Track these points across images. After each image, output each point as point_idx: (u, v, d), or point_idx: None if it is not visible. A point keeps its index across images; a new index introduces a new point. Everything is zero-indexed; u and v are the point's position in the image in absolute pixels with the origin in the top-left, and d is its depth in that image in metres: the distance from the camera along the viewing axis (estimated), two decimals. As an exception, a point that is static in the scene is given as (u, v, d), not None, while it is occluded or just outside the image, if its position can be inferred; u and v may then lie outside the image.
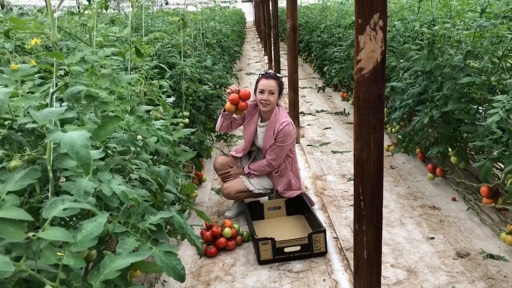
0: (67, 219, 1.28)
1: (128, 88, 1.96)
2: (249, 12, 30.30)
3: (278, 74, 3.25)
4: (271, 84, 3.14)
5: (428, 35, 3.58)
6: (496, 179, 2.93)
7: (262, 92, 3.15)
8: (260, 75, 3.23)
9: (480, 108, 3.17)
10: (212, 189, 3.93)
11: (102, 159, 1.26)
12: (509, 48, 2.97)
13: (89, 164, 0.85)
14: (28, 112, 1.05)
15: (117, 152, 1.40)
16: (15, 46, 2.57)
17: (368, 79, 1.65)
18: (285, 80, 5.05)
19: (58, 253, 0.86)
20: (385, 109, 4.45)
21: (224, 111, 3.21)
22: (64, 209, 0.87)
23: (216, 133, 4.50)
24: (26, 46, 1.92)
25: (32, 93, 1.34)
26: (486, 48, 3.05)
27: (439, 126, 3.36)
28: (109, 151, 1.41)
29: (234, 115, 3.27)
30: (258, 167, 3.26)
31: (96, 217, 0.91)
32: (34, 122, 0.98)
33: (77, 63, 1.27)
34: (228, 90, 3.17)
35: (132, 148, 1.65)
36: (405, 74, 4.06)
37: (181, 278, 1.17)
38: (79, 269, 0.88)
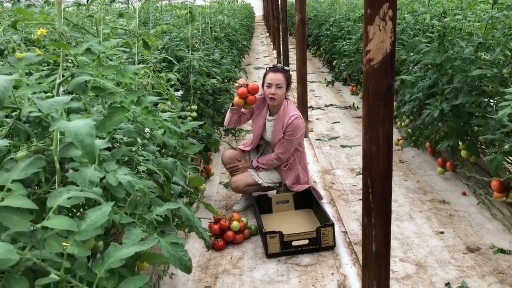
0: (74, 210, 1.28)
1: (136, 79, 1.96)
2: (258, 6, 30.15)
3: (285, 67, 3.23)
4: (278, 77, 3.12)
5: (438, 28, 3.53)
6: (507, 173, 2.89)
7: (269, 86, 3.13)
8: (267, 69, 3.21)
9: (491, 101, 3.12)
10: (220, 182, 3.92)
11: (108, 149, 1.26)
12: (521, 40, 2.92)
13: (94, 153, 0.85)
14: (34, 102, 1.04)
15: (124, 143, 1.40)
16: (24, 38, 2.58)
17: (377, 70, 1.63)
18: (293, 74, 5.02)
19: (64, 243, 0.86)
20: (394, 102, 4.40)
21: (232, 105, 3.20)
22: (69, 198, 0.87)
23: (224, 127, 4.50)
24: (32, 37, 1.92)
25: (39, 84, 1.34)
26: (498, 40, 3.01)
27: (449, 119, 3.32)
28: (116, 142, 1.40)
29: (243, 109, 3.25)
30: (266, 161, 3.24)
31: (101, 206, 0.91)
32: (39, 111, 0.98)
33: (83, 53, 1.26)
34: (236, 84, 3.16)
35: (140, 141, 1.65)
36: (415, 67, 4.01)
37: (187, 269, 1.16)
38: (85, 258, 0.87)
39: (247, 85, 3.10)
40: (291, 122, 3.11)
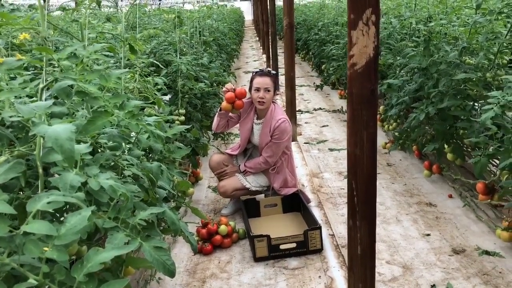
0: (58, 215, 1.27)
1: (121, 83, 1.96)
2: (247, 10, 30.22)
3: (272, 71, 3.26)
4: (266, 81, 3.14)
5: (424, 32, 3.58)
6: (492, 175, 2.93)
7: (257, 90, 3.15)
8: (254, 73, 3.24)
9: (476, 104, 3.17)
10: (209, 187, 3.92)
11: (92, 154, 1.26)
12: (504, 44, 2.96)
13: (73, 157, 0.85)
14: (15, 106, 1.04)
15: (108, 147, 1.39)
16: (11, 44, 2.56)
17: (361, 74, 1.65)
18: (282, 78, 5.04)
19: (45, 248, 0.86)
20: (382, 106, 4.45)
21: (220, 110, 3.21)
22: (48, 203, 0.87)
23: (212, 132, 4.50)
24: (15, 41, 1.91)
25: (23, 88, 1.33)
26: (481, 44, 3.05)
27: (435, 122, 3.35)
28: (100, 147, 1.40)
29: (230, 114, 3.26)
30: (254, 165, 3.25)
31: (81, 211, 0.91)
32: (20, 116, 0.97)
33: (67, 58, 1.26)
34: (224, 89, 3.17)
35: (127, 145, 1.65)
36: (402, 71, 4.05)
37: (171, 273, 1.16)
38: (66, 262, 0.87)
39: (234, 89, 3.12)
40: (278, 126, 3.12)
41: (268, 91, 3.14)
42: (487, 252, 2.67)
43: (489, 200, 2.88)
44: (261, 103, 3.15)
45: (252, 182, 3.28)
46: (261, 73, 3.20)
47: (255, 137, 3.30)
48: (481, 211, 3.12)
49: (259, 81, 3.15)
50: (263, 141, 3.19)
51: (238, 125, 3.40)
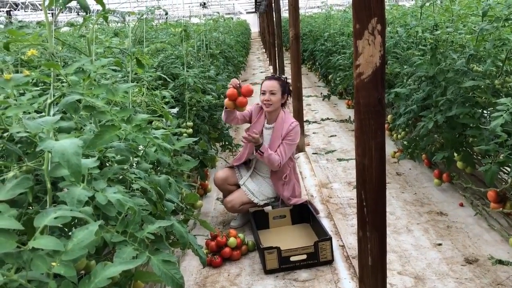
0: (66, 229, 1.27)
1: (129, 97, 1.97)
2: (254, 23, 30.46)
3: (281, 76, 3.31)
4: (272, 84, 3.19)
5: (430, 40, 3.56)
6: (504, 183, 2.89)
7: (264, 93, 3.20)
8: (265, 78, 3.31)
9: (484, 111, 3.14)
10: (217, 199, 3.91)
11: (100, 168, 1.26)
12: (512, 51, 2.95)
13: (80, 172, 0.85)
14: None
15: (116, 161, 1.40)
16: (20, 60, 2.59)
17: (368, 83, 1.64)
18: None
19: (52, 263, 0.85)
20: (390, 115, 4.43)
21: (225, 108, 3.21)
22: (56, 218, 0.87)
23: (220, 143, 4.49)
24: (23, 57, 1.93)
25: (31, 104, 1.34)
26: (488, 51, 3.03)
27: (444, 131, 3.33)
28: (108, 161, 1.40)
29: (238, 112, 3.25)
30: (271, 153, 3.09)
31: (88, 225, 0.90)
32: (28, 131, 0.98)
33: (74, 72, 1.27)
34: (229, 85, 3.13)
35: (135, 159, 1.65)
36: (409, 80, 4.04)
37: (179, 287, 1.15)
38: (75, 278, 0.87)
39: (240, 86, 3.09)
40: (292, 128, 3.19)
41: (274, 93, 3.18)
42: (500, 262, 2.62)
43: (501, 209, 2.84)
44: (267, 105, 3.20)
45: (259, 196, 3.26)
46: (269, 77, 3.30)
47: (265, 142, 3.27)
48: (493, 219, 3.07)
49: (265, 84, 3.24)
50: (274, 146, 3.17)
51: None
